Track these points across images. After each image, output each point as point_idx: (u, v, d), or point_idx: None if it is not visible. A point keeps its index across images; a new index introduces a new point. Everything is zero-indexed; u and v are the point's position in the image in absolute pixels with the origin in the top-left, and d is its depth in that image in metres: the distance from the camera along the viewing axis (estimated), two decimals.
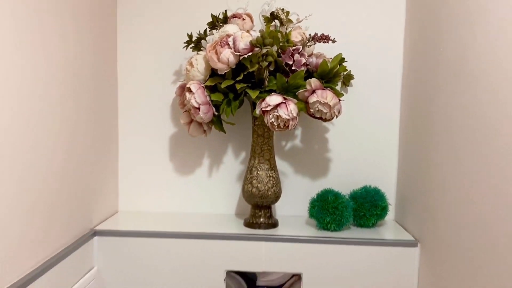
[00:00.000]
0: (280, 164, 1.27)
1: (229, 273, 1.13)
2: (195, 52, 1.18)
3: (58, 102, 0.91)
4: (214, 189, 1.30)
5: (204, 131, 1.16)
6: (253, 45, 1.01)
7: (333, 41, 1.08)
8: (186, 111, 1.14)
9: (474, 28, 0.81)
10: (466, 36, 0.85)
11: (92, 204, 1.12)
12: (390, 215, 1.26)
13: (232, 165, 1.29)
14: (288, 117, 0.99)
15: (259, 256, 1.11)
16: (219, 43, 1.03)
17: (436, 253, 0.98)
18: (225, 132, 1.18)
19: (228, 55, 1.01)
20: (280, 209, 1.28)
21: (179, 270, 1.11)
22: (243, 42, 1.00)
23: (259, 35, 1.03)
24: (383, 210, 1.18)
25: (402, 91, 1.24)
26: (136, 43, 1.26)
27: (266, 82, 1.05)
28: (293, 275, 1.12)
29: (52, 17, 0.87)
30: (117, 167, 1.29)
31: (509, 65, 0.69)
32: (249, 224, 1.18)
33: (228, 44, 1.01)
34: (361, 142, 1.27)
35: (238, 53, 1.01)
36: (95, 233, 1.11)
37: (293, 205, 1.28)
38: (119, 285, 1.12)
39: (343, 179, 1.27)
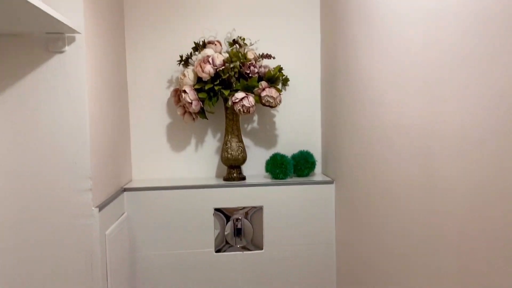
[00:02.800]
0: (245, 140, 1.87)
1: (215, 211, 1.72)
2: (181, 67, 1.76)
3: (107, 104, 1.48)
4: (199, 159, 1.89)
5: (193, 119, 1.75)
6: (225, 62, 1.62)
7: (273, 57, 1.71)
8: (181, 106, 1.73)
9: (355, 46, 1.47)
10: (347, 49, 1.51)
11: (120, 173, 1.67)
12: (319, 169, 1.91)
13: (211, 142, 1.89)
14: (249, 105, 1.61)
15: (235, 197, 1.71)
16: (202, 61, 1.63)
17: (343, 187, 1.63)
18: (207, 119, 1.78)
19: (209, 69, 1.61)
20: (246, 170, 1.88)
21: (182, 211, 1.69)
22: (218, 60, 1.61)
23: (228, 55, 1.64)
24: (312, 164, 1.82)
25: (321, 89, 1.89)
26: (141, 61, 1.82)
27: (234, 84, 1.66)
28: (257, 207, 1.74)
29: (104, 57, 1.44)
30: (130, 149, 1.85)
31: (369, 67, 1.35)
32: (226, 179, 1.78)
33: (209, 62, 1.61)
34: (297, 121, 1.90)
35: (215, 67, 1.61)
36: (124, 189, 1.67)
37: (254, 167, 1.89)
38: (141, 224, 1.68)
39: (286, 146, 1.90)
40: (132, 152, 1.86)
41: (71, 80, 1.25)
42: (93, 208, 1.29)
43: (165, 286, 1.70)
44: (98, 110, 1.37)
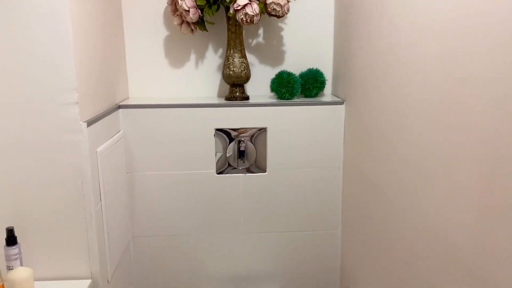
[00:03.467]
0: (249, 56, 1.72)
1: (216, 131, 1.61)
2: None
3: (95, 9, 1.32)
4: (200, 77, 1.75)
5: (192, 30, 1.59)
6: None
7: None
8: (177, 15, 1.56)
9: None
10: None
11: (115, 89, 1.55)
12: (328, 90, 1.77)
13: (213, 58, 1.74)
14: (253, 14, 1.44)
15: (237, 118, 1.60)
16: None
17: (354, 108, 1.50)
18: (207, 31, 1.62)
19: None
20: (249, 89, 1.75)
21: (182, 130, 1.59)
22: None
23: None
24: (322, 83, 1.68)
25: None
26: None
27: None
28: (260, 129, 1.63)
29: None
30: (126, 65, 1.71)
31: None
32: (229, 98, 1.65)
33: None
34: (307, 36, 1.73)
35: None
36: (119, 106, 1.56)
37: (258, 86, 1.76)
38: (138, 143, 1.59)
39: (294, 64, 1.74)
40: (127, 67, 1.72)
41: None
42: (80, 122, 1.19)
43: (164, 206, 1.65)
44: (83, 14, 1.22)
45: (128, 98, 1.73)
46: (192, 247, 1.70)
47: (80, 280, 1.24)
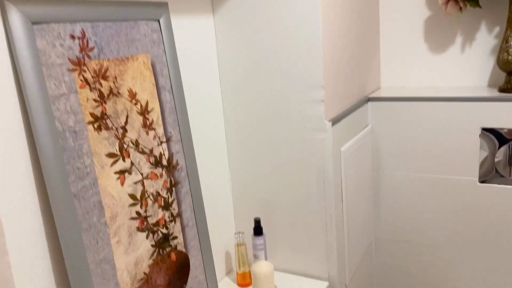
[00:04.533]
0: None
1: (483, 131, 1.32)
2: None
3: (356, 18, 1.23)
4: (466, 63, 1.46)
5: (460, 8, 1.32)
6: None
7: None
8: None
9: None
10: None
11: (365, 80, 1.44)
12: None
13: (485, 39, 1.42)
14: None
15: None
16: None
17: None
18: (480, 7, 1.31)
19: None
20: None
21: (437, 128, 1.37)
22: None
23: None
24: None
25: None
26: None
27: None
28: None
29: None
30: (379, 52, 1.58)
31: None
32: (503, 89, 1.32)
33: None
34: None
35: None
36: (368, 99, 1.45)
37: None
38: (387, 139, 1.45)
39: None
40: (381, 54, 1.59)
41: None
42: (325, 121, 1.14)
43: (412, 211, 1.47)
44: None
45: (380, 88, 1.60)
46: (440, 261, 1.47)
47: (317, 281, 1.23)
